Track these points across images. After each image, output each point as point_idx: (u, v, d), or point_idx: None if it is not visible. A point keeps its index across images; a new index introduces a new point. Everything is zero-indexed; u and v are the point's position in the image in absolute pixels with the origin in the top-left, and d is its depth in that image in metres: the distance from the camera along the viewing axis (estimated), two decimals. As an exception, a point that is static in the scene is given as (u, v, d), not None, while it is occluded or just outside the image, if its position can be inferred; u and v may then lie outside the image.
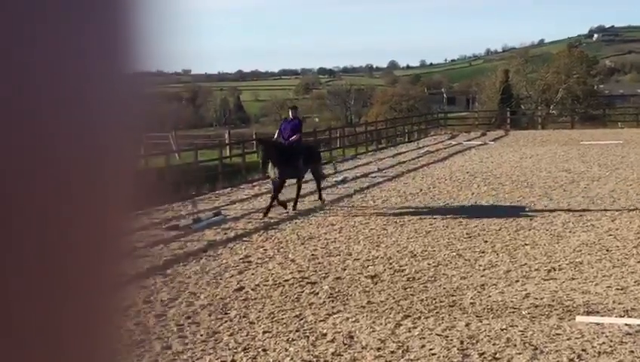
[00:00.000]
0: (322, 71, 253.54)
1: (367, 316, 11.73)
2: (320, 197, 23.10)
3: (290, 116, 22.26)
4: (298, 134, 21.94)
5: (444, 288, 13.42)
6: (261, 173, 23.32)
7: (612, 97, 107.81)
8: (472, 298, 12.71)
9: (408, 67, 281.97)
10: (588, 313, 11.64)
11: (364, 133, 48.71)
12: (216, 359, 9.85)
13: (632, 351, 9.74)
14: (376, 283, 13.75)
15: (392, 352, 9.94)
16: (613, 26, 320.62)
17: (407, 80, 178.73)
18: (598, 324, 10.94)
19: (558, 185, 26.93)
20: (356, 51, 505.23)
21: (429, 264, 15.30)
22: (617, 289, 13.08)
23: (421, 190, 26.53)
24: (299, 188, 22.00)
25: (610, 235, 17.89)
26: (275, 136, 21.93)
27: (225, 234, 19.14)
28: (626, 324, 10.88)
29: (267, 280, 14.17)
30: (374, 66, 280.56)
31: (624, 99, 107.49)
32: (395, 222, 20.26)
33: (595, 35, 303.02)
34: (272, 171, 20.71)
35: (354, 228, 19.60)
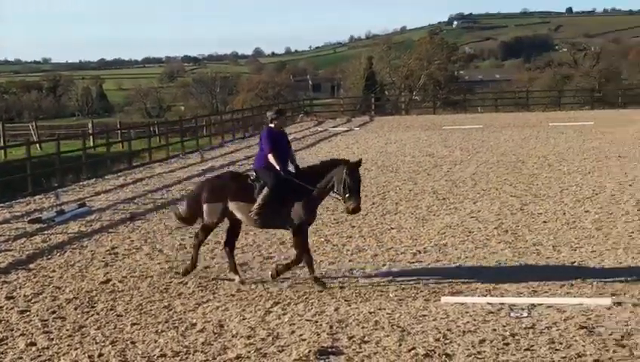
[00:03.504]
0: (187, 59, 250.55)
1: (236, 304, 11.70)
2: None
3: (274, 125, 13.25)
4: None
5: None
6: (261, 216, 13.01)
7: (472, 83, 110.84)
8: (340, 283, 12.85)
9: (274, 54, 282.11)
10: (452, 294, 11.94)
11: (230, 121, 48.49)
12: (84, 353, 9.63)
13: (495, 329, 10.05)
14: (245, 271, 13.72)
15: (263, 339, 9.95)
16: (471, 14, 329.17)
17: (272, 67, 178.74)
18: (462, 304, 11.24)
19: (422, 169, 27.50)
20: (222, 39, 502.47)
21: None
22: (480, 269, 13.46)
23: (288, 177, 26.58)
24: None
25: (473, 217, 18.40)
26: (274, 161, 12.81)
27: (90, 226, 18.73)
28: (489, 303, 11.21)
29: (134, 272, 13.95)
30: (239, 54, 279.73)
31: (483, 84, 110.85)
32: (264, 209, 20.24)
33: (455, 22, 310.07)
34: (302, 213, 12.74)
35: (222, 216, 19.47)
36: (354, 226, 17.66)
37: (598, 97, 66.39)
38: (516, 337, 9.71)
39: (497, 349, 9.31)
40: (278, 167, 12.69)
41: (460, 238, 16.11)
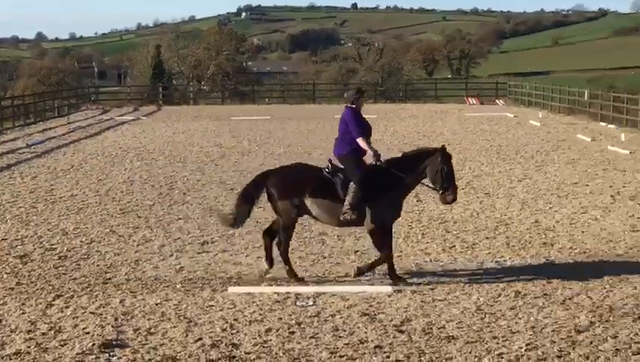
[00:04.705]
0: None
1: (16, 298, 11.23)
2: None
3: (356, 105, 12.55)
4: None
5: (98, 265, 13.19)
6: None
7: (260, 74, 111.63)
8: (126, 274, 12.62)
9: (57, 40, 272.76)
10: (239, 283, 11.99)
11: (10, 108, 46.43)
12: None
13: (281, 318, 10.17)
14: (25, 264, 13.21)
15: (44, 334, 9.60)
16: (260, 5, 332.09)
17: (56, 53, 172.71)
18: (249, 294, 11.30)
19: (210, 159, 27.46)
20: (1, 22, 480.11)
21: (81, 241, 14.95)
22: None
23: (72, 166, 25.86)
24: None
25: (260, 207, 18.47)
26: (366, 145, 12.10)
27: None
28: (275, 293, 11.34)
29: None
30: (20, 38, 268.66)
31: (271, 76, 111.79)
32: (46, 199, 19.57)
33: (244, 14, 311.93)
34: (392, 207, 11.98)
35: (1, 206, 18.67)
36: (140, 217, 17.38)
37: (381, 91, 68.68)
38: (302, 325, 9.88)
39: (283, 338, 9.44)
40: (371, 151, 11.87)
41: (248, 228, 16.12)
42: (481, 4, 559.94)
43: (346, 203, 11.66)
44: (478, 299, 10.88)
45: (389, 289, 11.42)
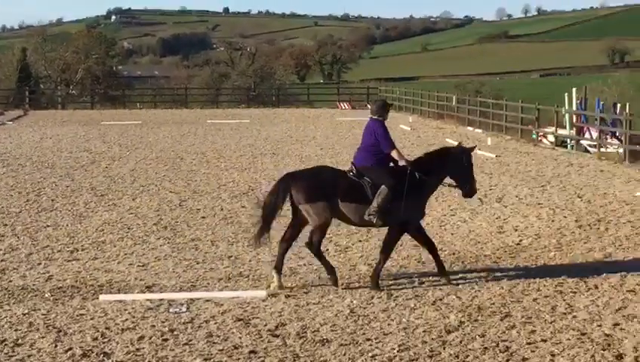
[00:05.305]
0: None
1: None
2: None
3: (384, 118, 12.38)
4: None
5: (-39, 276, 12.71)
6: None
7: (131, 78, 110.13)
8: (-9, 284, 12.21)
9: None
10: (111, 291, 11.77)
11: None
12: None
13: (154, 325, 10.04)
14: None
15: None
16: (130, 9, 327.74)
17: None
18: (121, 302, 11.11)
19: (80, 165, 26.89)
20: None
21: (-57, 251, 14.40)
22: (139, 266, 13.41)
23: None
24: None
25: (132, 213, 18.28)
26: (400, 157, 12.15)
27: None
28: (148, 300, 11.19)
29: None
30: None
31: (142, 80, 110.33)
32: None
33: (114, 17, 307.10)
34: (418, 212, 12.23)
35: None
36: (6, 225, 16.87)
37: (254, 96, 68.67)
38: (175, 332, 9.77)
39: (156, 345, 9.31)
40: (404, 162, 11.92)
41: (119, 235, 15.94)
42: (352, 10, 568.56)
43: (374, 204, 11.63)
44: (352, 301, 11.00)
45: (263, 293, 11.42)
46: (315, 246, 11.93)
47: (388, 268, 12.60)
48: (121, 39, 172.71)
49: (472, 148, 12.55)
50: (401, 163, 11.98)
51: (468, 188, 12.33)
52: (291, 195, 11.81)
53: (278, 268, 11.89)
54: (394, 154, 11.99)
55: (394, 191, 11.60)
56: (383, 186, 11.65)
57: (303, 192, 11.69)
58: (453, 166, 12.15)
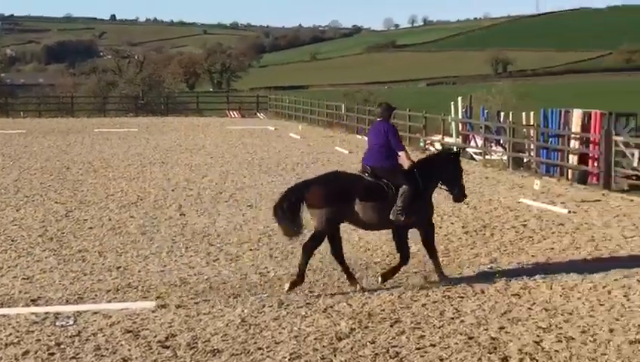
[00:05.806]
0: None
1: None
2: None
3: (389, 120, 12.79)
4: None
5: None
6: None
7: (14, 86, 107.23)
8: None
9: None
10: (-6, 305, 11.43)
11: None
12: None
13: (39, 339, 9.77)
14: None
15: None
16: (13, 15, 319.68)
17: None
18: (4, 316, 10.78)
19: (-40, 175, 26.04)
20: None
21: None
22: (23, 279, 13.04)
23: None
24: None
25: (15, 225, 17.79)
26: (409, 158, 12.62)
27: None
28: (33, 313, 10.89)
29: None
30: None
31: (26, 88, 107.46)
32: None
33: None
34: (431, 208, 12.91)
35: None
36: None
37: (142, 104, 67.81)
38: (62, 346, 9.54)
39: (42, 360, 9.08)
40: (410, 162, 12.37)
41: (2, 247, 15.49)
42: (240, 19, 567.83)
43: (398, 205, 11.90)
44: (243, 311, 10.94)
45: (152, 304, 11.26)
46: (307, 251, 11.93)
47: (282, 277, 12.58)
48: (3, 46, 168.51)
49: (459, 153, 13.71)
50: (406, 164, 12.33)
51: (457, 191, 12.83)
52: (306, 201, 11.84)
53: (351, 278, 12.18)
54: (403, 154, 12.36)
55: (414, 192, 12.01)
56: (404, 186, 11.96)
57: (317, 198, 11.76)
58: (445, 171, 12.68)
